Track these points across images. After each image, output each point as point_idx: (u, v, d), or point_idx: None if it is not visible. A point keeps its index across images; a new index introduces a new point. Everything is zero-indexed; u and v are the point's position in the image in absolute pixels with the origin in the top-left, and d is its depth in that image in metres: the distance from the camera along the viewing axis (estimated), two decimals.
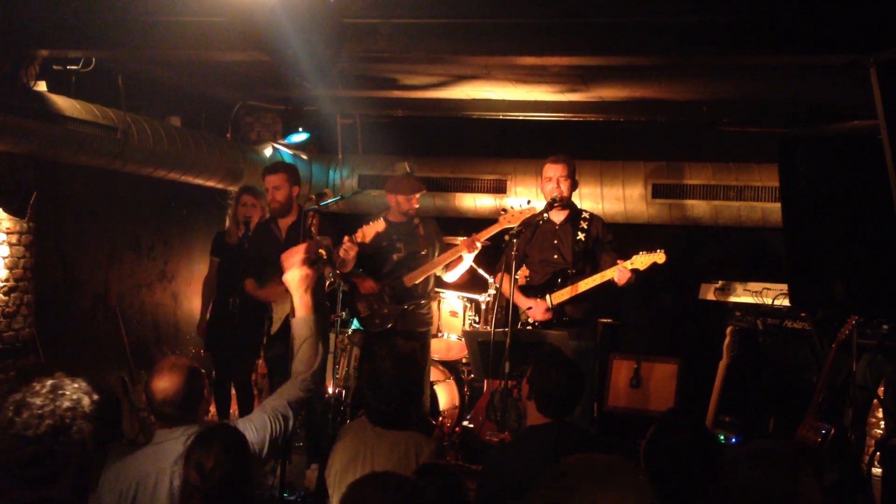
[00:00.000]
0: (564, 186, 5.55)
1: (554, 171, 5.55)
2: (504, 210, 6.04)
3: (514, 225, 5.77)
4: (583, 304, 5.57)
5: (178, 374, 3.18)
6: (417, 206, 6.37)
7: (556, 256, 5.65)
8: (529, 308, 5.59)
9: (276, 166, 6.10)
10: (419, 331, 6.32)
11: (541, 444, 3.47)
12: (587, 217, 5.69)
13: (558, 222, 5.68)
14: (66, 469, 2.48)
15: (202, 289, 6.91)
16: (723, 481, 2.44)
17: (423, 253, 6.29)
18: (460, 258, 6.18)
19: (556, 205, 5.53)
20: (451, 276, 6.41)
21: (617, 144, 7.74)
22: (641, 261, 5.29)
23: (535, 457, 3.40)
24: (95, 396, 2.55)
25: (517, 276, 5.56)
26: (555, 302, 5.55)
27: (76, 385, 2.55)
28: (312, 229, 5.77)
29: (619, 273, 5.31)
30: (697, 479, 2.79)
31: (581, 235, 5.61)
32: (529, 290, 5.72)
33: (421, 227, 6.40)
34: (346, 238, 5.69)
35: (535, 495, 1.80)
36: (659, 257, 5.28)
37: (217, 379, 6.71)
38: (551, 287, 5.58)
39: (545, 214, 5.57)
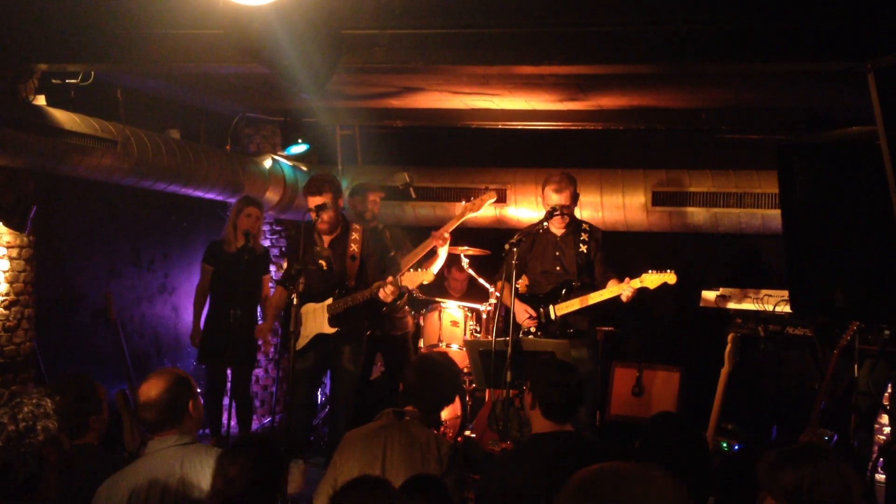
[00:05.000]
0: (567, 213, 5.57)
1: (557, 199, 5.52)
2: (464, 201, 6.07)
3: (476, 212, 5.84)
4: (585, 315, 5.57)
5: (163, 380, 3.25)
6: (374, 209, 6.48)
7: (558, 268, 5.64)
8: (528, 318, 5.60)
9: (322, 186, 5.70)
10: (397, 335, 6.38)
11: (542, 453, 3.47)
12: (587, 229, 5.69)
13: (559, 234, 5.67)
14: (44, 472, 2.47)
15: (195, 297, 6.85)
16: (765, 487, 2.40)
17: (391, 255, 6.34)
18: (435, 254, 6.24)
19: (555, 214, 5.53)
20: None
21: (616, 153, 7.74)
22: (651, 280, 5.25)
23: (536, 466, 3.40)
24: (57, 397, 2.57)
25: (517, 285, 5.56)
26: (559, 313, 5.54)
27: (34, 391, 2.56)
28: (352, 245, 5.77)
29: (627, 291, 5.29)
30: (693, 478, 2.79)
31: (583, 248, 5.61)
32: (532, 299, 5.70)
33: (387, 232, 6.50)
34: (390, 278, 5.51)
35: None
36: (670, 277, 5.23)
37: (209, 391, 6.69)
38: (555, 298, 5.58)
39: (545, 223, 5.58)
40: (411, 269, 5.66)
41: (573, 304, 5.50)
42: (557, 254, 5.65)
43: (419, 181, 7.68)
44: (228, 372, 6.69)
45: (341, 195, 5.89)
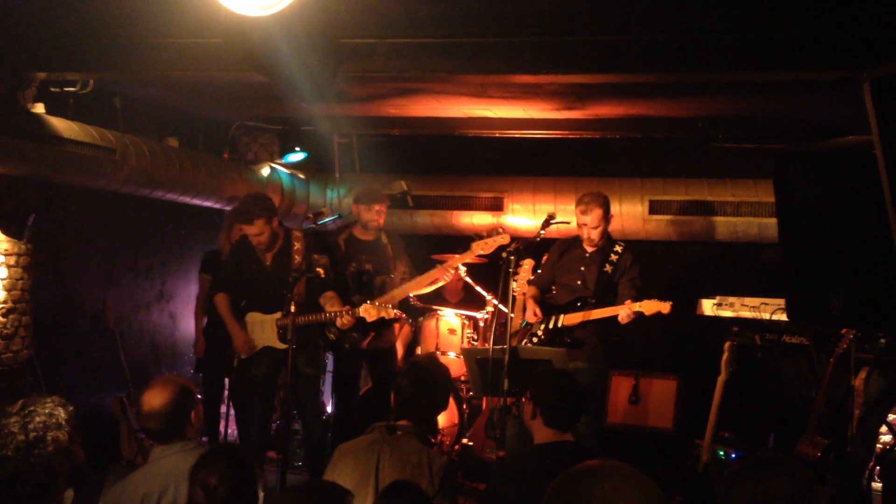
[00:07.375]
0: (595, 234, 5.60)
1: (586, 221, 5.58)
2: (478, 236, 6.06)
3: (486, 252, 5.84)
4: (589, 329, 5.61)
5: (167, 390, 3.22)
6: (379, 220, 6.38)
7: (578, 282, 5.70)
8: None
9: (251, 215, 5.56)
10: (385, 348, 6.37)
11: (545, 464, 3.46)
12: (619, 251, 5.71)
13: (589, 251, 5.71)
14: (54, 483, 2.47)
15: (196, 308, 6.89)
16: (722, 499, 2.37)
17: (390, 277, 6.32)
18: (434, 282, 6.30)
19: (552, 222, 5.56)
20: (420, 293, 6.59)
21: (614, 161, 7.76)
22: (648, 306, 5.32)
23: (541, 475, 3.39)
24: (70, 408, 2.56)
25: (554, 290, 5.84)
26: (564, 323, 5.59)
27: (49, 401, 2.55)
28: (296, 256, 5.70)
29: (624, 313, 5.35)
30: None
31: (608, 268, 5.65)
32: (549, 306, 5.80)
33: (389, 247, 6.44)
34: (347, 308, 5.58)
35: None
36: (664, 307, 5.29)
37: (207, 399, 6.69)
38: (566, 309, 5.64)
39: (541, 232, 5.62)
40: (369, 302, 5.61)
41: (578, 317, 5.57)
42: (582, 269, 5.71)
43: (417, 189, 7.69)
44: (226, 380, 6.70)
45: (275, 213, 5.72)
